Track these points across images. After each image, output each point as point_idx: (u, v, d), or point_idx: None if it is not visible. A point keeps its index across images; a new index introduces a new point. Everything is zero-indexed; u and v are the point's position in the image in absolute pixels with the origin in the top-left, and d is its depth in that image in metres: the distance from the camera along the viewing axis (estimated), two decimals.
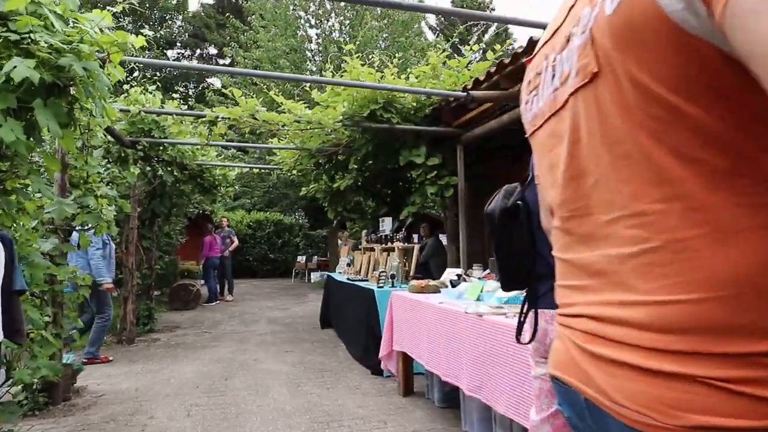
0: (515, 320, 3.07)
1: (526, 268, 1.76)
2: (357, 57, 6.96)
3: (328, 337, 8.53)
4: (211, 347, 7.96)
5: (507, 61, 5.43)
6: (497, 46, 7.39)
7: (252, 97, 6.79)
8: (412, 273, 6.33)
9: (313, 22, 18.73)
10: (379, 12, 17.21)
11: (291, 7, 18.42)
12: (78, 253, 6.09)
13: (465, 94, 5.67)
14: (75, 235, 5.32)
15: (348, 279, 7.74)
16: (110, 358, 7.06)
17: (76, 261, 6.23)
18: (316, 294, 15.72)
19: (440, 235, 8.75)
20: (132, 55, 5.62)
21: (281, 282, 20.33)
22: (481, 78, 5.97)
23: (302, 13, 18.79)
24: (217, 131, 7.22)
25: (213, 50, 33.68)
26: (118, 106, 7.74)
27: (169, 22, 32.38)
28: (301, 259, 20.19)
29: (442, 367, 3.98)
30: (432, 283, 5.14)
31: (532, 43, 4.96)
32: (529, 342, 1.82)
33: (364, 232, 9.38)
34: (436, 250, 8.05)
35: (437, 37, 25.50)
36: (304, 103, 7.37)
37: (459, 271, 5.36)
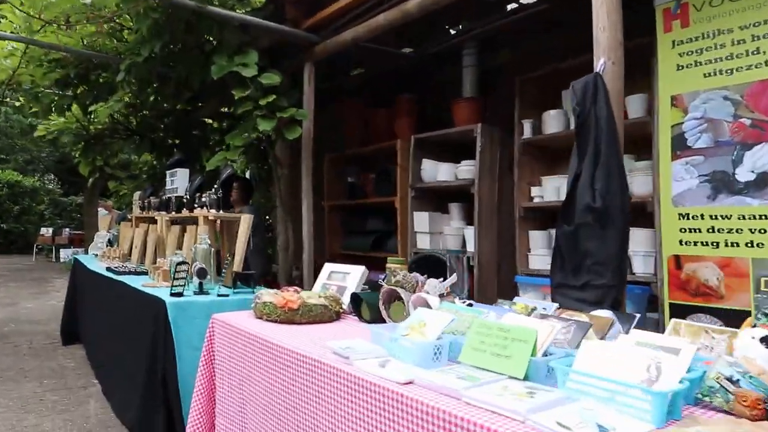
0: None
1: None
2: None
3: (74, 365, 4.99)
4: None
5: None
6: None
7: None
8: (236, 267, 3.30)
9: None
10: None
11: None
12: None
13: None
14: None
15: (110, 269, 4.37)
16: None
17: None
18: (64, 280, 11.35)
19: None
20: None
21: (19, 261, 15.14)
22: None
23: None
24: None
25: None
26: None
27: None
28: (47, 231, 15.21)
29: None
30: (312, 300, 2.23)
31: None
32: None
33: (137, 194, 5.90)
34: (255, 226, 5.02)
35: None
36: None
37: (358, 271, 2.53)
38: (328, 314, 2.24)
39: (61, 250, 14.61)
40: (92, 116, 6.60)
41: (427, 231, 4.53)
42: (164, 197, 4.75)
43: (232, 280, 3.26)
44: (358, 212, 5.79)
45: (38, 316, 7.26)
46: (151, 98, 6.14)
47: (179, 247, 4.15)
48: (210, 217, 3.66)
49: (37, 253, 15.48)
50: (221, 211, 3.68)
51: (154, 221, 4.94)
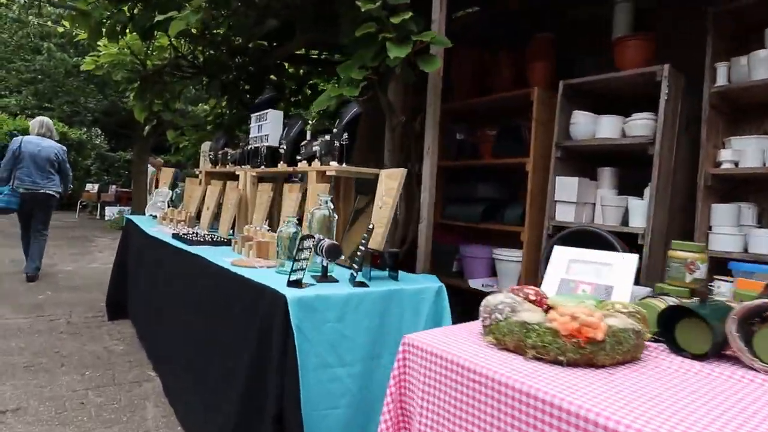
0: None
1: None
2: None
3: (123, 348, 4.07)
4: None
5: None
6: None
7: None
8: (377, 243, 2.23)
9: None
10: None
11: None
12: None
13: None
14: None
15: (177, 236, 3.39)
16: None
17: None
18: (109, 239, 10.70)
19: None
20: None
21: (61, 217, 14.54)
22: None
23: None
24: None
25: None
26: None
27: None
28: (92, 187, 14.59)
29: None
30: (615, 321, 1.15)
31: None
32: None
33: (206, 144, 4.92)
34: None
35: None
36: None
37: (626, 260, 1.55)
38: (641, 346, 1.17)
39: (106, 207, 13.99)
40: (150, 48, 5.65)
41: (573, 200, 3.44)
42: (248, 147, 3.74)
43: (366, 262, 2.21)
44: (465, 175, 4.73)
45: (79, 282, 6.45)
46: (223, 29, 5.14)
47: (270, 208, 3.15)
48: (329, 172, 2.61)
49: (81, 210, 14.90)
50: (344, 166, 2.62)
51: (230, 177, 3.96)
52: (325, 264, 2.13)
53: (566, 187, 3.46)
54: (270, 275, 2.23)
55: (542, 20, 4.36)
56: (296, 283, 1.98)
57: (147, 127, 6.28)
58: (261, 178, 3.53)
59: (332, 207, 2.39)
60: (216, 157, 4.37)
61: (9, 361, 3.66)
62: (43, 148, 6.15)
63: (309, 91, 6.70)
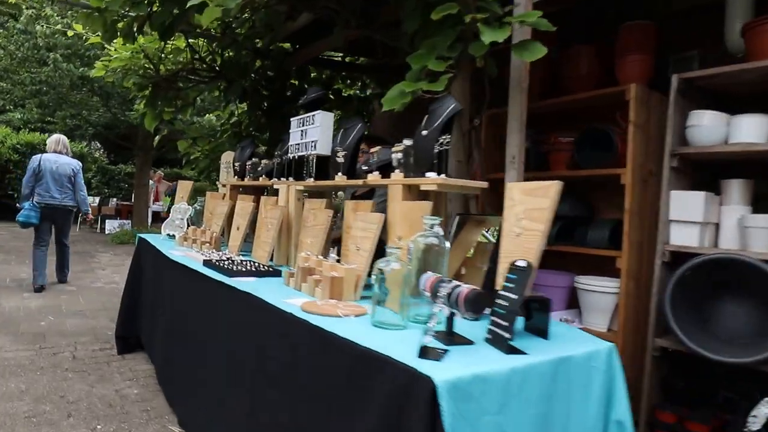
0: None
1: None
2: None
3: (138, 392, 3.30)
4: None
5: None
6: None
7: None
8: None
9: None
10: None
11: None
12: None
13: None
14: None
15: (210, 264, 2.67)
16: None
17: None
18: (111, 255, 9.88)
19: None
20: None
21: None
22: None
23: None
24: None
25: None
26: None
27: None
28: (93, 201, 13.76)
29: None
30: None
31: None
32: None
33: (226, 155, 4.20)
34: None
35: None
36: None
37: None
38: None
39: (106, 221, 13.20)
40: (165, 51, 4.94)
41: (697, 220, 2.71)
42: (288, 157, 3.02)
43: (510, 313, 1.51)
44: None
45: (83, 305, 5.65)
46: (245, 29, 4.46)
47: (316, 225, 2.43)
48: (424, 186, 1.91)
49: (81, 223, 14.06)
50: (443, 175, 1.92)
51: (259, 191, 3.26)
52: (456, 318, 1.43)
53: (687, 203, 2.73)
54: (366, 330, 1.52)
55: (622, 9, 3.67)
56: (429, 352, 1.27)
57: (157, 137, 5.55)
58: (314, 191, 2.82)
59: (441, 233, 1.69)
60: (242, 169, 3.66)
61: (8, 410, 2.91)
62: (60, 165, 6.30)
63: (332, 97, 6.02)
